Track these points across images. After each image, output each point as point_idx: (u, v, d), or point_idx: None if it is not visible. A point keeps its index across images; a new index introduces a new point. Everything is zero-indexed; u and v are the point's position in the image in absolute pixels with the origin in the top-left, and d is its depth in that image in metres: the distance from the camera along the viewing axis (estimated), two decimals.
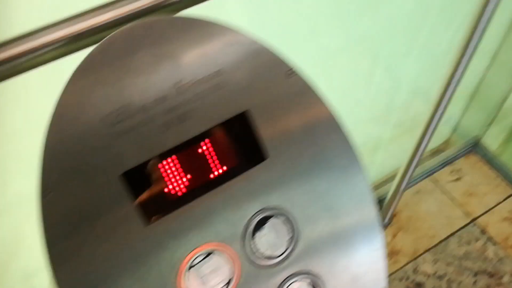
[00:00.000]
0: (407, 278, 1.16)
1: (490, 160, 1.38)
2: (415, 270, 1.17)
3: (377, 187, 1.27)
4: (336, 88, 0.90)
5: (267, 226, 0.41)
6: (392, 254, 1.20)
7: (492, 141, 1.37)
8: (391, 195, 1.18)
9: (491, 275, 1.17)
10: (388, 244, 1.21)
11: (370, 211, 0.46)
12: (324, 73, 0.84)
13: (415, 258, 1.19)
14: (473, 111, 1.34)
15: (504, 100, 1.26)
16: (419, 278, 1.16)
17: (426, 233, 1.24)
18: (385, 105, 1.07)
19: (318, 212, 0.43)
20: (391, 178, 1.17)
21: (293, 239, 0.42)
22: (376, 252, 0.48)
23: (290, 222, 0.42)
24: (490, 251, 1.21)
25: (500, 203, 1.30)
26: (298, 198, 0.43)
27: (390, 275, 1.16)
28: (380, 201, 1.24)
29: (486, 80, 1.26)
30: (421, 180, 1.33)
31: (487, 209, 1.28)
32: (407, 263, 1.18)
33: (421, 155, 1.00)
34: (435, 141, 1.37)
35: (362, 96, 0.99)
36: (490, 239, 1.23)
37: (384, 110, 1.09)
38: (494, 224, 1.26)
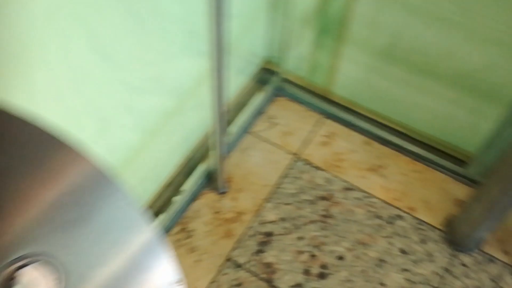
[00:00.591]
0: (256, 232, 1.22)
1: (295, 97, 1.48)
2: (260, 223, 1.24)
3: (197, 159, 1.30)
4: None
5: (20, 280, 0.39)
6: (237, 217, 1.25)
7: (292, 77, 1.47)
8: (217, 164, 1.21)
9: (326, 198, 1.29)
10: (230, 209, 1.26)
11: (145, 230, 0.46)
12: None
13: (258, 212, 1.26)
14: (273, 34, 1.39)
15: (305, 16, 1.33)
16: (267, 228, 1.23)
17: (261, 184, 1.30)
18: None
19: (86, 248, 0.42)
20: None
21: (61, 282, 0.41)
22: (162, 257, 0.47)
23: (53, 266, 0.40)
24: (318, 177, 1.33)
25: (313, 132, 1.41)
26: (58, 240, 0.41)
27: (239, 237, 1.22)
28: (211, 173, 1.28)
29: None
30: (242, 138, 1.39)
31: (305, 141, 1.39)
32: (252, 219, 1.24)
33: (222, 111, 1.03)
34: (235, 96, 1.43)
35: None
36: (315, 167, 1.34)
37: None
38: (314, 152, 1.37)
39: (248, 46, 1.35)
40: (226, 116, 1.09)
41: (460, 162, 1.32)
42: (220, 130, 1.09)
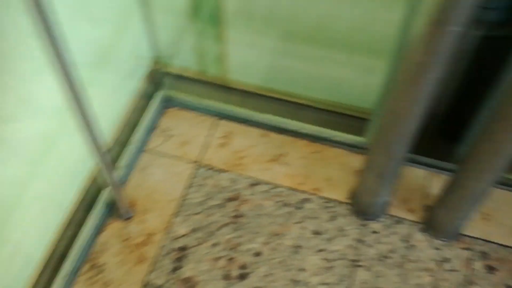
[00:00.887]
0: (170, 250, 1.20)
1: (184, 105, 1.46)
2: (172, 239, 1.21)
3: (95, 190, 1.25)
4: None
5: None
6: (147, 239, 1.21)
7: (185, 72, 1.45)
8: (114, 194, 1.17)
9: (233, 198, 1.29)
10: (139, 233, 1.22)
11: None
12: None
13: (168, 228, 1.23)
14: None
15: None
16: (180, 243, 1.21)
17: (166, 200, 1.28)
18: None
19: None
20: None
21: None
22: None
23: None
24: (223, 180, 1.32)
25: (209, 135, 1.40)
26: None
27: (153, 259, 1.18)
28: (112, 202, 1.23)
29: None
30: (139, 158, 1.35)
31: (203, 147, 1.38)
32: (163, 238, 1.22)
33: (101, 148, 1.00)
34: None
35: None
36: (218, 170, 1.34)
37: None
38: (214, 155, 1.36)
39: (130, 50, 1.30)
40: (106, 150, 1.04)
41: (354, 132, 1.36)
42: (105, 165, 1.05)
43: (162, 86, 1.46)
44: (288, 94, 1.40)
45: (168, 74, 1.44)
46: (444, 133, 1.31)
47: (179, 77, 1.46)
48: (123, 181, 1.31)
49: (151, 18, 1.30)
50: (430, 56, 0.76)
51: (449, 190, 1.09)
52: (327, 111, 1.39)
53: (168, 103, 1.47)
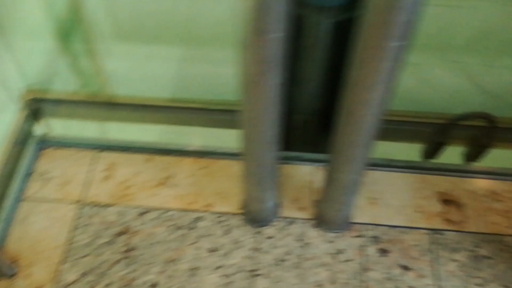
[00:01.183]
0: None
1: (61, 143, 1.40)
2: (64, 287, 1.15)
3: None
4: None
5: None
6: None
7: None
8: None
9: (123, 232, 1.24)
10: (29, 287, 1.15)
11: None
12: None
13: (56, 278, 1.16)
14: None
15: None
16: None
17: (51, 248, 1.21)
18: None
19: None
20: None
21: None
22: None
23: None
24: (110, 215, 1.27)
25: (91, 170, 1.34)
26: None
27: None
28: None
29: None
30: (17, 209, 1.27)
31: (85, 184, 1.32)
32: None
33: None
34: None
35: None
36: (103, 205, 1.28)
37: None
38: (98, 191, 1.31)
39: None
40: None
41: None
42: None
43: (41, 115, 1.38)
44: (176, 100, 1.37)
45: (46, 100, 1.36)
46: (323, 126, 1.34)
47: (59, 102, 1.38)
48: (2, 238, 1.22)
49: (12, 46, 1.23)
50: (261, 65, 0.76)
51: (326, 183, 1.11)
52: (219, 110, 1.36)
53: (43, 144, 1.40)
